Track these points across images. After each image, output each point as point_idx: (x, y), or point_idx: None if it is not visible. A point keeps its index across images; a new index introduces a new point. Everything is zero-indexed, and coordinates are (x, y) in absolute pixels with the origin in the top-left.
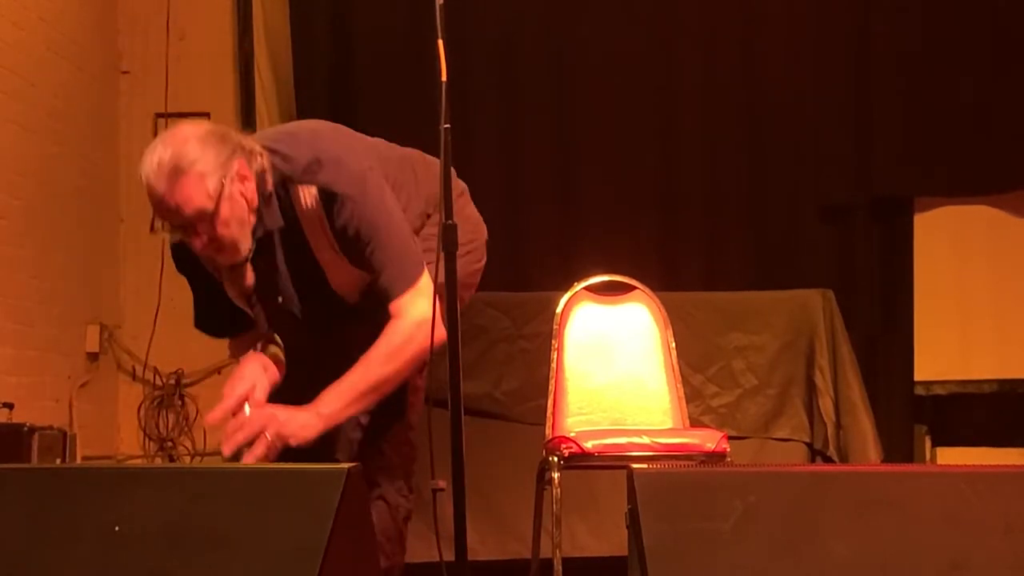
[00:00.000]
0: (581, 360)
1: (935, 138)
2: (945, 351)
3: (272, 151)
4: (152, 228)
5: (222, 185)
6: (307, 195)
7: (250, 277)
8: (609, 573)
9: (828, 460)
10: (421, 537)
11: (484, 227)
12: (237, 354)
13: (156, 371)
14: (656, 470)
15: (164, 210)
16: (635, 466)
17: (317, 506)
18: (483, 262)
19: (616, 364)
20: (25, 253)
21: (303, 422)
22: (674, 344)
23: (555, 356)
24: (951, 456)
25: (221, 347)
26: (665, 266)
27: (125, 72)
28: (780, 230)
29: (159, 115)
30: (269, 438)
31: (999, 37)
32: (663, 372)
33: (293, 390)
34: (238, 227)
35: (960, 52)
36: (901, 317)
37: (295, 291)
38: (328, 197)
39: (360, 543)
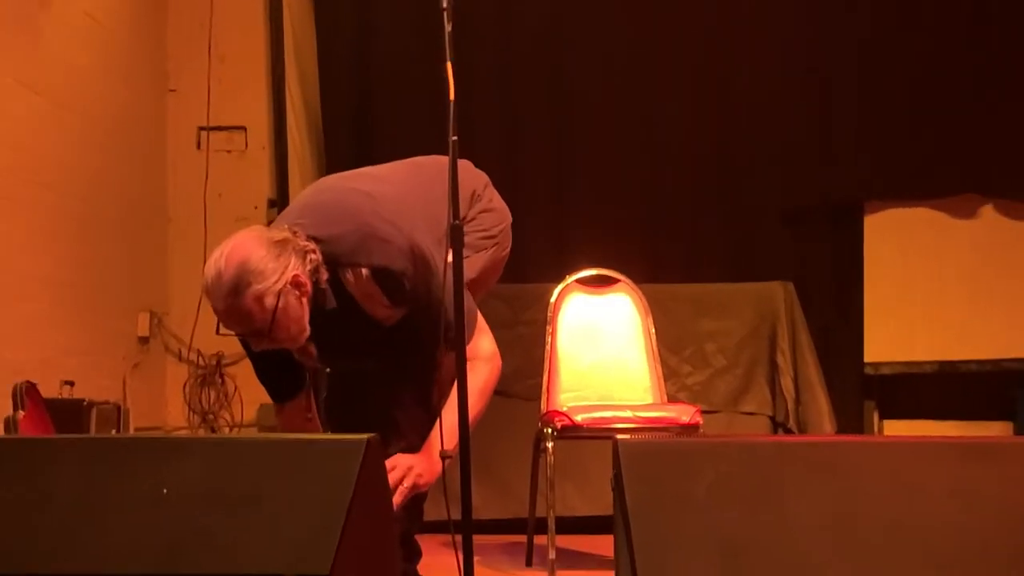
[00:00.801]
0: (572, 344)
1: (884, 150)
2: (891, 336)
3: (318, 240)
4: (217, 331)
5: (278, 298)
6: (358, 275)
7: (312, 352)
8: (597, 531)
9: (789, 432)
10: (432, 499)
11: (508, 212)
12: (286, 424)
13: (199, 353)
14: (638, 440)
15: (224, 322)
16: (620, 437)
17: (340, 472)
18: (508, 249)
19: (603, 347)
20: (85, 250)
21: (427, 467)
22: (654, 330)
23: (549, 340)
24: (897, 428)
25: None
26: (647, 261)
27: (172, 90)
28: (748, 230)
29: (201, 128)
30: (406, 486)
31: (937, 52)
32: (644, 354)
33: (346, 409)
34: (296, 326)
35: (897, 72)
36: (853, 306)
37: (346, 340)
38: (382, 275)
39: (378, 505)
